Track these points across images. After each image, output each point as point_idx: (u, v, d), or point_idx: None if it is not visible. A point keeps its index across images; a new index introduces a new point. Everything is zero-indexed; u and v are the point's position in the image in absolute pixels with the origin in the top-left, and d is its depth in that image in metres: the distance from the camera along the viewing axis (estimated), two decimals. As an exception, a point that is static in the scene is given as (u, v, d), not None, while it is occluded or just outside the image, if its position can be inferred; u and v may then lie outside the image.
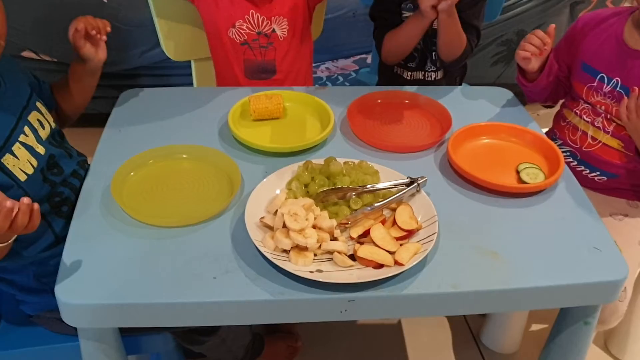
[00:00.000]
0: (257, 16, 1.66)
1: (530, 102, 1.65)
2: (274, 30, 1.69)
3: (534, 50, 1.46)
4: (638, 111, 1.36)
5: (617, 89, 1.45)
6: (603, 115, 1.50)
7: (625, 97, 1.39)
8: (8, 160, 1.13)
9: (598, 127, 1.51)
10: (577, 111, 1.56)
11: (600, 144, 1.50)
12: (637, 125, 1.38)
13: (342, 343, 1.89)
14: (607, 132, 1.50)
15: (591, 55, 1.52)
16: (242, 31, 1.68)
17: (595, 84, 1.49)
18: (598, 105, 1.49)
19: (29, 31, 2.43)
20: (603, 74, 1.47)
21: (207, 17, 1.70)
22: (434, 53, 1.78)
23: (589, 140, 1.52)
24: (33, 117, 1.23)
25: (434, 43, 1.76)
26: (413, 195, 1.23)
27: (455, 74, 1.88)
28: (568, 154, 1.58)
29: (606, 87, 1.46)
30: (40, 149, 1.22)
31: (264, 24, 1.67)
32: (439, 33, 1.66)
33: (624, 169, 1.51)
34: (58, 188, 1.24)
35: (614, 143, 1.50)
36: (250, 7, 1.66)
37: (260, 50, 1.71)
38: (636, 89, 1.36)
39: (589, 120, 1.52)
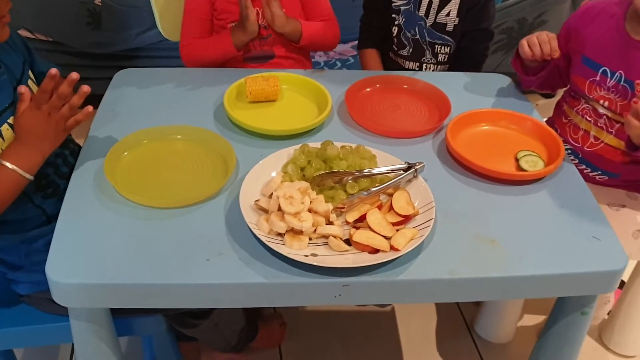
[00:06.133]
0: (257, 10, 1.64)
1: (524, 88, 1.61)
2: None
3: (538, 54, 1.41)
4: None
5: (621, 82, 1.39)
6: (605, 116, 1.44)
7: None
8: None
9: (601, 127, 1.46)
10: (578, 110, 1.51)
11: (603, 144, 1.46)
12: None
13: (334, 330, 1.88)
14: (611, 132, 1.44)
15: (592, 47, 1.46)
16: None
17: (597, 78, 1.43)
18: (601, 101, 1.44)
19: (24, 10, 2.39)
20: (605, 68, 1.42)
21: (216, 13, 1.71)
22: (436, 46, 1.77)
23: (592, 140, 1.48)
24: None
25: (436, 36, 1.75)
26: (410, 180, 1.21)
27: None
28: (569, 152, 1.53)
29: (609, 81, 1.41)
30: None
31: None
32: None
33: (626, 168, 1.47)
34: (44, 169, 1.20)
35: (617, 143, 1.44)
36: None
37: (260, 42, 1.70)
38: None
39: (591, 120, 1.48)
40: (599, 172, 1.51)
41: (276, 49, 1.73)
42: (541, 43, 1.42)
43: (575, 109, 1.52)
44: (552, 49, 1.41)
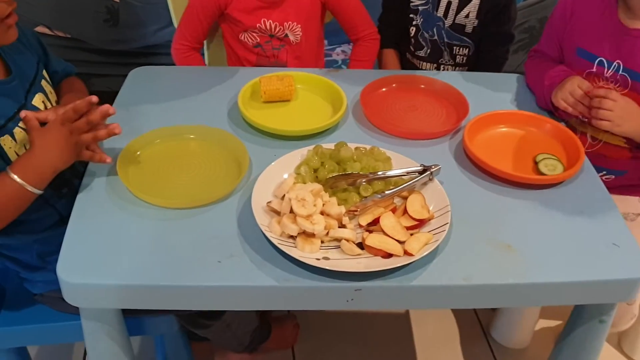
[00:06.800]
0: (270, 23, 1.63)
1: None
2: (286, 35, 1.66)
3: (584, 112, 1.35)
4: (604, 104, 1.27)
5: (620, 72, 1.34)
6: None
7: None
8: (5, 141, 1.10)
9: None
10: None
11: (602, 143, 1.41)
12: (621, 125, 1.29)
13: (348, 332, 1.87)
14: (607, 130, 1.37)
15: (585, 38, 1.40)
16: (254, 34, 1.66)
17: (594, 70, 1.38)
18: None
19: (43, 6, 2.40)
20: (602, 58, 1.37)
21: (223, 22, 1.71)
22: (455, 48, 1.75)
23: (589, 140, 1.43)
24: (38, 99, 1.19)
25: (454, 37, 1.72)
26: (425, 183, 1.19)
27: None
28: None
29: (607, 71, 1.36)
30: None
31: (277, 29, 1.65)
32: None
33: (631, 164, 1.42)
34: None
35: (616, 140, 1.40)
36: (262, 15, 1.63)
37: (272, 52, 1.69)
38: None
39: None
40: (605, 172, 1.44)
41: (289, 64, 1.71)
42: (577, 102, 1.35)
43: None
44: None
